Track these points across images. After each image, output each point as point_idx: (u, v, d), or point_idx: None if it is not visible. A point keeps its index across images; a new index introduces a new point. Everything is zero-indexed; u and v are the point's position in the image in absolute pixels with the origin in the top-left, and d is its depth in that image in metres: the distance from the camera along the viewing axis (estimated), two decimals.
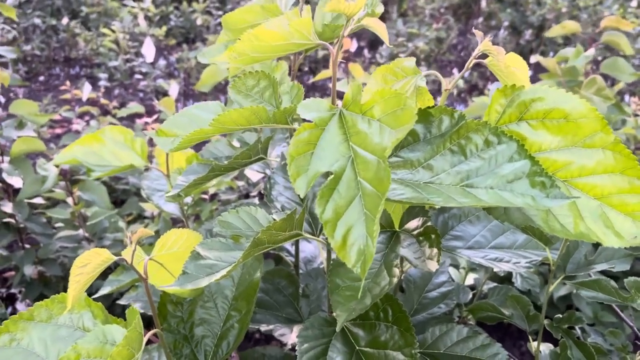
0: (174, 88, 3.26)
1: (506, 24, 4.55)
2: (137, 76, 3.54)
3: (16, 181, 1.59)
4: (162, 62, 3.56)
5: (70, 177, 1.58)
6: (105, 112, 3.59)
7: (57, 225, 1.72)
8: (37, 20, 4.43)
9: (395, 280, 0.65)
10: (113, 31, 3.95)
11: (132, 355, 0.57)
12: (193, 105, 0.68)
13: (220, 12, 4.72)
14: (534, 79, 0.93)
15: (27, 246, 1.74)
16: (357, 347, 0.68)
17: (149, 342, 0.68)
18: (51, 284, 1.74)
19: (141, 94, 3.64)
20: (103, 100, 2.93)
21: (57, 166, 1.52)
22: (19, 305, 1.87)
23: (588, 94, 1.40)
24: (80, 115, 3.44)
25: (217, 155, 1.02)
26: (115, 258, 0.62)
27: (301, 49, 0.63)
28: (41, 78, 4.44)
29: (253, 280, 0.79)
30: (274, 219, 0.69)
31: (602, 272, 1.41)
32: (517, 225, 0.59)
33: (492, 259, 0.79)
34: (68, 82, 2.76)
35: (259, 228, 0.72)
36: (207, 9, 4.88)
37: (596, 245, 0.66)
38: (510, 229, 0.83)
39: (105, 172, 1.02)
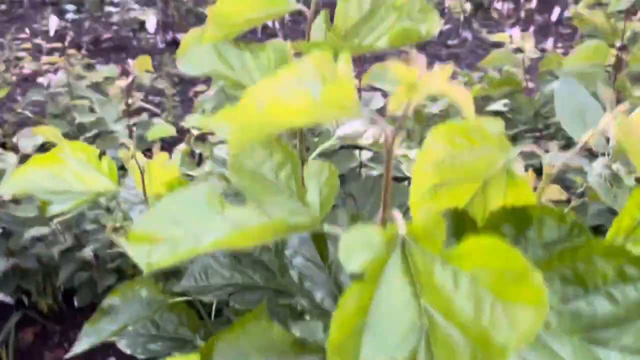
0: (151, 21, 2.94)
1: None
2: (109, 8, 3.18)
3: None
4: None
5: None
6: (77, 46, 3.26)
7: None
8: None
9: None
10: None
11: None
12: (176, 195, 0.46)
13: None
14: None
15: None
16: None
17: None
18: (29, 276, 1.58)
19: (115, 27, 3.29)
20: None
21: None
22: None
23: None
24: (50, 52, 3.13)
25: None
26: None
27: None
28: (2, 7, 4.04)
29: None
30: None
31: None
32: None
33: None
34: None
35: None
36: None
37: None
38: None
39: (69, 206, 0.80)
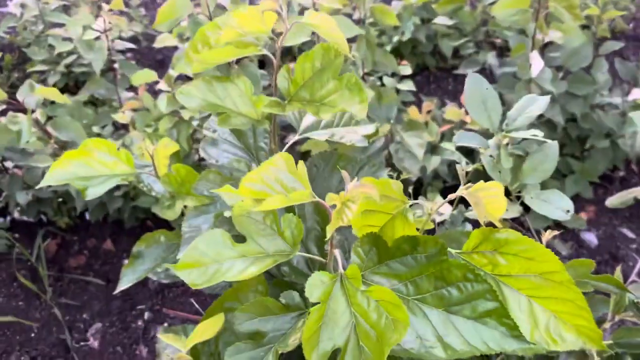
0: None
1: None
2: None
3: None
4: None
5: (48, 118, 1.55)
6: None
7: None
8: None
9: None
10: None
11: None
12: (203, 237, 0.72)
13: None
14: None
15: (13, 171, 1.78)
16: None
17: None
18: (46, 202, 1.83)
19: None
20: None
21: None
22: (16, 214, 1.98)
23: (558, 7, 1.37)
24: None
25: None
26: None
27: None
28: None
29: None
30: None
31: None
32: None
33: None
34: None
35: None
36: None
37: None
38: None
39: (100, 188, 1.05)
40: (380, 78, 2.03)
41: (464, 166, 1.09)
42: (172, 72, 1.68)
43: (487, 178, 1.03)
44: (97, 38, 1.94)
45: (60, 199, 1.88)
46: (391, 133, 1.53)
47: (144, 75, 1.63)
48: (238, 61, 1.60)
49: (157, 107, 1.66)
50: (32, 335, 1.72)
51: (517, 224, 1.90)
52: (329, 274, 0.65)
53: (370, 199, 0.68)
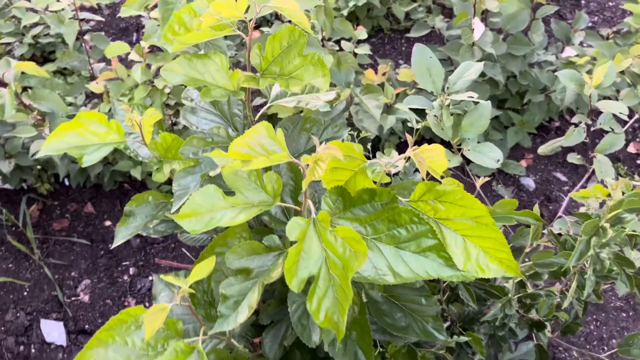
0: None
1: None
2: None
3: None
4: None
5: (22, 90, 1.62)
6: None
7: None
8: None
9: None
10: None
11: None
12: (200, 191, 0.85)
13: None
14: None
15: None
16: None
17: None
18: (27, 170, 1.90)
19: None
20: None
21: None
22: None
23: None
24: None
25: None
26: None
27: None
28: None
29: None
30: None
31: None
32: None
33: None
34: None
35: None
36: None
37: None
38: None
39: (96, 157, 1.15)
40: (338, 42, 2.15)
41: (414, 125, 1.25)
42: (143, 44, 1.76)
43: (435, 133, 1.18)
44: (62, 9, 1.98)
45: (40, 167, 1.96)
46: (351, 96, 1.67)
47: (117, 48, 1.71)
48: None
49: (130, 77, 1.74)
50: (25, 293, 1.83)
51: (460, 171, 2.08)
52: (305, 218, 0.80)
53: (336, 159, 0.82)
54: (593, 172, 1.52)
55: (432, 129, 1.13)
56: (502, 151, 2.22)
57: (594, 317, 1.87)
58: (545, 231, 1.10)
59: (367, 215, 0.86)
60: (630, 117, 1.51)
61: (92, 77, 2.11)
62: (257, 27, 2.55)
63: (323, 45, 1.97)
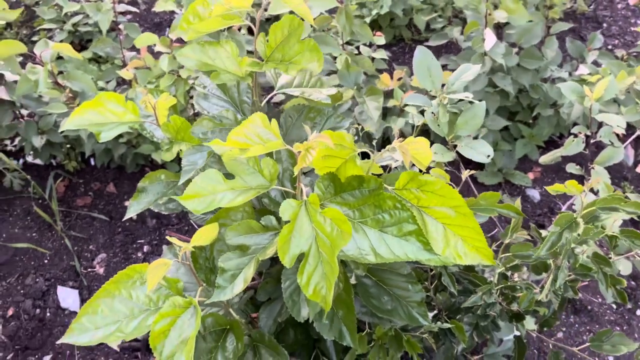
0: None
1: None
2: None
3: (8, 75, 1.72)
4: None
5: (58, 73, 1.70)
6: None
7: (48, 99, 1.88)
8: None
9: None
10: None
11: None
12: (201, 175, 0.91)
13: None
14: None
15: (27, 118, 1.94)
16: None
17: None
18: (57, 147, 2.00)
19: None
20: None
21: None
22: (29, 158, 2.15)
23: None
24: None
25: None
26: None
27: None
28: None
29: None
30: None
31: None
32: None
33: None
34: None
35: None
36: None
37: None
38: None
39: (112, 134, 1.22)
40: (358, 47, 2.20)
41: (415, 122, 1.29)
42: (170, 36, 1.84)
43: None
44: (102, 0, 2.07)
45: (69, 145, 2.05)
46: (354, 96, 1.71)
47: (146, 38, 1.78)
48: (229, 29, 1.76)
49: (157, 66, 1.82)
50: (45, 261, 1.91)
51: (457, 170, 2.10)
52: (297, 200, 0.85)
53: (328, 147, 0.87)
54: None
55: (429, 125, 1.17)
56: (510, 162, 2.24)
57: (588, 328, 1.87)
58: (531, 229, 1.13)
59: (356, 200, 0.91)
60: (631, 133, 1.53)
61: (124, 65, 2.20)
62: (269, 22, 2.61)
63: (343, 48, 2.02)
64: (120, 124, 1.25)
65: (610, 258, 1.02)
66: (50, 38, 2.54)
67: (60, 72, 1.90)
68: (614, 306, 1.93)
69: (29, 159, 2.14)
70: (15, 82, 1.80)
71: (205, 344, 1.05)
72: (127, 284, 1.04)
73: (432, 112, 1.17)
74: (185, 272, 1.20)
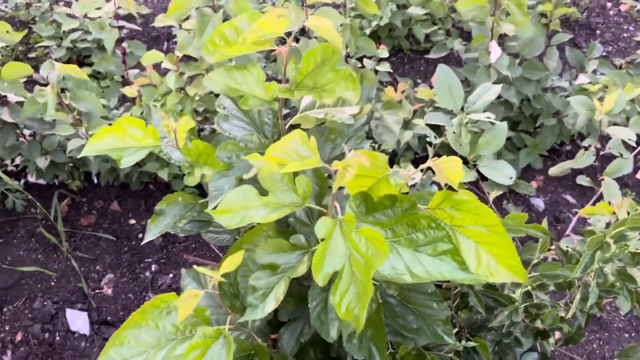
0: None
1: None
2: None
3: (11, 97, 1.71)
4: None
5: (61, 90, 1.70)
6: None
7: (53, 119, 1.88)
8: None
9: None
10: None
11: None
12: (235, 191, 0.92)
13: None
14: None
15: (30, 139, 1.93)
16: None
17: None
18: (60, 166, 1.99)
19: None
20: None
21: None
22: (31, 177, 2.14)
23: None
24: None
25: None
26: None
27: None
28: None
29: None
30: None
31: None
32: None
33: None
34: None
35: None
36: None
37: None
38: None
39: (133, 159, 1.23)
40: (361, 60, 2.22)
41: (433, 140, 1.31)
42: (177, 53, 1.85)
43: (451, 149, 1.25)
44: (100, 17, 2.08)
45: (72, 164, 2.04)
46: (371, 111, 1.74)
47: (152, 56, 1.80)
48: None
49: (164, 83, 1.83)
50: (52, 283, 1.90)
51: (475, 187, 2.14)
52: (332, 219, 0.87)
53: (362, 166, 0.89)
54: (601, 194, 1.57)
55: (451, 145, 1.20)
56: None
57: (597, 335, 1.91)
58: (553, 246, 1.15)
59: (388, 220, 0.93)
60: (638, 143, 1.57)
61: (125, 81, 2.20)
62: (284, 42, 2.64)
63: (347, 62, 2.05)
64: (141, 148, 1.25)
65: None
66: (47, 55, 2.54)
67: (62, 90, 1.90)
68: (622, 313, 1.97)
69: (31, 178, 2.13)
70: (19, 103, 1.80)
71: None
72: (154, 314, 1.05)
73: (454, 132, 1.20)
74: (205, 296, 1.21)
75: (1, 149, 1.85)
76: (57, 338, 1.76)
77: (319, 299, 1.08)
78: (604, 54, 2.91)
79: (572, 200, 2.22)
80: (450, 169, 0.90)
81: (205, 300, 1.21)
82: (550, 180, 2.30)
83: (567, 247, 1.38)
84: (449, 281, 1.09)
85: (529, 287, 1.06)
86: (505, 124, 1.21)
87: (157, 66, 2.41)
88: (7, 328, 1.77)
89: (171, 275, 1.96)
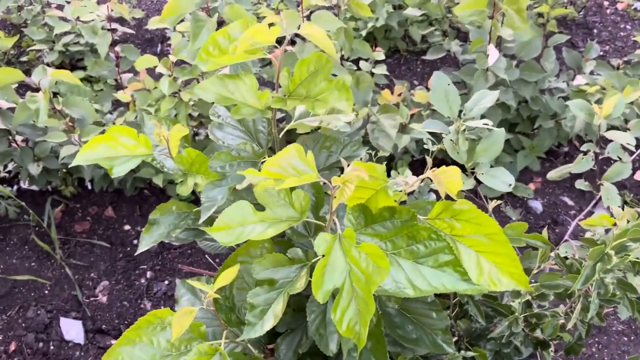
0: None
1: None
2: None
3: (3, 103, 1.69)
4: None
5: (53, 95, 1.68)
6: None
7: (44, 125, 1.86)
8: None
9: None
10: None
11: None
12: (232, 207, 0.90)
13: None
14: None
15: (22, 145, 1.91)
16: None
17: None
18: (53, 173, 1.97)
19: None
20: None
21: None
22: (24, 184, 2.12)
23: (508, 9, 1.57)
24: None
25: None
26: None
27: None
28: None
29: None
30: None
31: None
32: None
33: None
34: None
35: None
36: None
37: None
38: None
39: (125, 168, 1.21)
40: (356, 62, 2.21)
41: (430, 147, 1.30)
42: (171, 58, 1.83)
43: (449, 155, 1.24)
44: (93, 20, 2.06)
45: (65, 171, 2.02)
46: (368, 115, 1.72)
47: (146, 60, 1.78)
48: None
49: (157, 88, 1.81)
50: (46, 292, 1.88)
51: (472, 193, 2.13)
52: (331, 234, 0.85)
53: (360, 179, 0.88)
54: (600, 198, 1.56)
55: (448, 152, 1.19)
56: (512, 174, 2.27)
57: (596, 339, 1.90)
58: (552, 254, 1.15)
59: (387, 232, 0.91)
60: (638, 147, 1.56)
61: (118, 86, 2.18)
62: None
63: (342, 65, 2.03)
64: (133, 157, 1.24)
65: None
66: (39, 58, 2.51)
67: (55, 95, 1.88)
68: (621, 317, 1.97)
69: (24, 185, 2.11)
70: (10, 109, 1.77)
71: None
72: (148, 330, 1.03)
73: (451, 139, 1.19)
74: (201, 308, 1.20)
75: None
76: (52, 347, 1.74)
77: (317, 312, 1.07)
78: (602, 53, 2.90)
79: (570, 202, 2.22)
80: (449, 179, 0.89)
81: (201, 312, 1.19)
82: (548, 183, 2.29)
83: (566, 253, 1.37)
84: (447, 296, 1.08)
85: (529, 297, 1.05)
86: (503, 130, 1.20)
87: (151, 70, 2.39)
88: (0, 338, 1.76)
89: (166, 282, 1.94)
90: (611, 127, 1.67)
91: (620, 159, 1.48)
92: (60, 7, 2.22)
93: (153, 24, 1.95)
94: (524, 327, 1.15)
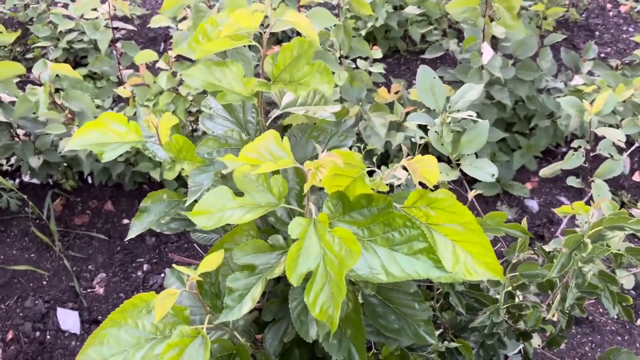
0: None
1: None
2: None
3: (4, 96, 1.72)
4: None
5: (55, 91, 1.71)
6: None
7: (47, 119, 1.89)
8: None
9: None
10: None
11: None
12: (211, 192, 0.92)
13: None
14: None
15: (24, 138, 1.93)
16: None
17: None
18: (54, 166, 2.00)
19: None
20: None
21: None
22: (25, 177, 2.15)
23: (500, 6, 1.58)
24: None
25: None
26: None
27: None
28: None
29: None
30: None
31: None
32: None
33: None
34: None
35: None
36: None
37: None
38: None
39: (114, 154, 1.23)
40: (355, 60, 2.22)
41: (418, 140, 1.30)
42: (171, 53, 1.85)
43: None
44: (97, 18, 2.08)
45: (66, 164, 2.05)
46: (360, 112, 1.73)
47: (145, 55, 1.80)
48: None
49: (156, 83, 1.83)
50: (44, 282, 1.90)
51: (461, 187, 2.13)
52: (306, 219, 0.86)
53: (337, 166, 0.89)
54: (591, 196, 1.55)
55: (433, 144, 1.19)
56: (508, 173, 2.27)
57: (590, 339, 1.89)
58: (536, 247, 1.14)
59: (364, 219, 0.92)
60: (631, 144, 1.55)
61: (120, 82, 2.20)
62: (279, 42, 2.64)
63: (340, 63, 2.04)
64: (123, 143, 1.25)
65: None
66: (44, 55, 2.55)
67: (57, 90, 1.91)
68: (615, 316, 1.95)
69: (25, 178, 2.14)
70: (12, 102, 1.80)
71: None
72: (133, 313, 1.04)
73: (436, 131, 1.19)
74: (188, 295, 1.20)
75: None
76: (48, 337, 1.76)
77: (299, 299, 1.08)
78: (603, 55, 2.89)
79: (566, 202, 2.21)
80: (425, 168, 0.89)
81: (189, 300, 1.20)
82: (544, 182, 2.28)
83: (555, 248, 1.36)
84: (430, 281, 1.08)
85: (510, 288, 1.05)
86: (487, 122, 1.20)
87: (152, 67, 2.42)
88: None
89: (163, 275, 1.96)
90: (607, 125, 1.66)
91: (611, 156, 1.47)
92: (65, 5, 2.25)
93: (156, 22, 1.97)
94: (507, 319, 1.15)
